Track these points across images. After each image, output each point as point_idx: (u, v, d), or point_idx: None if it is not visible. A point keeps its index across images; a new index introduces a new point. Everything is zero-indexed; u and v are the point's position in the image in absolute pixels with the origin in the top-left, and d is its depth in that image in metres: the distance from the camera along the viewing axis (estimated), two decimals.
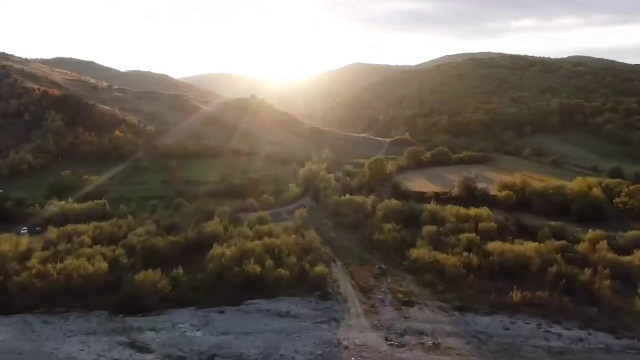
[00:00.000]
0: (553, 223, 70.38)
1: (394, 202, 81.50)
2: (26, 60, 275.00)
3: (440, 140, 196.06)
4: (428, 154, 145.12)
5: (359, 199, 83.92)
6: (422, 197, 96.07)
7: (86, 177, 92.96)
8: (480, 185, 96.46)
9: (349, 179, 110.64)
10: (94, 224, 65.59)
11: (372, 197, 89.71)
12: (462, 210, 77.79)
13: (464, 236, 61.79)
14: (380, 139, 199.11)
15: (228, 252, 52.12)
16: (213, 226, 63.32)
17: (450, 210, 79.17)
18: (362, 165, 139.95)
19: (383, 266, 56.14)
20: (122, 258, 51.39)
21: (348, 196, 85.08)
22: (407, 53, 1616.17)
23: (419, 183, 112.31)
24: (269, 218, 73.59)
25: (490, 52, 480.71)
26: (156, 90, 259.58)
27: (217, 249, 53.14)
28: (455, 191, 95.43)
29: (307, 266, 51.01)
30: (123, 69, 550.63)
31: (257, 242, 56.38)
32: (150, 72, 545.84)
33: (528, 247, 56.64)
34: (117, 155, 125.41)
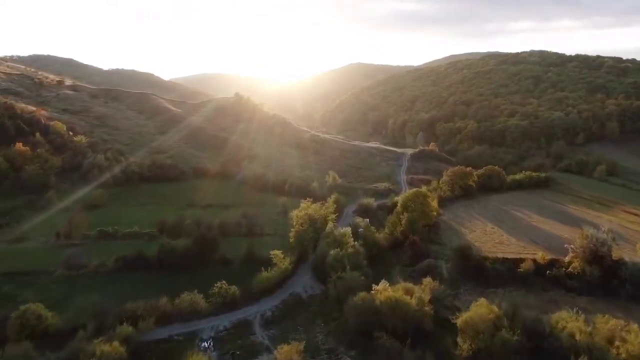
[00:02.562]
0: None
1: (485, 306, 38.63)
2: None
3: (474, 152, 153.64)
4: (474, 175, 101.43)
5: (409, 300, 40.59)
6: (512, 272, 53.55)
7: None
8: (612, 248, 53.54)
9: (371, 226, 67.04)
10: None
11: (427, 279, 46.71)
12: None
13: None
14: (397, 150, 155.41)
15: None
16: None
17: (609, 330, 36.76)
18: (384, 193, 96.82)
19: None
20: None
21: (390, 292, 41.82)
22: (407, 53, 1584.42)
23: (485, 233, 69.09)
24: None
25: (497, 52, 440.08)
26: (134, 90, 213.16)
27: None
28: (574, 262, 52.36)
29: None
30: (106, 67, 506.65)
31: None
32: (134, 71, 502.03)
33: None
34: (15, 180, 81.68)
